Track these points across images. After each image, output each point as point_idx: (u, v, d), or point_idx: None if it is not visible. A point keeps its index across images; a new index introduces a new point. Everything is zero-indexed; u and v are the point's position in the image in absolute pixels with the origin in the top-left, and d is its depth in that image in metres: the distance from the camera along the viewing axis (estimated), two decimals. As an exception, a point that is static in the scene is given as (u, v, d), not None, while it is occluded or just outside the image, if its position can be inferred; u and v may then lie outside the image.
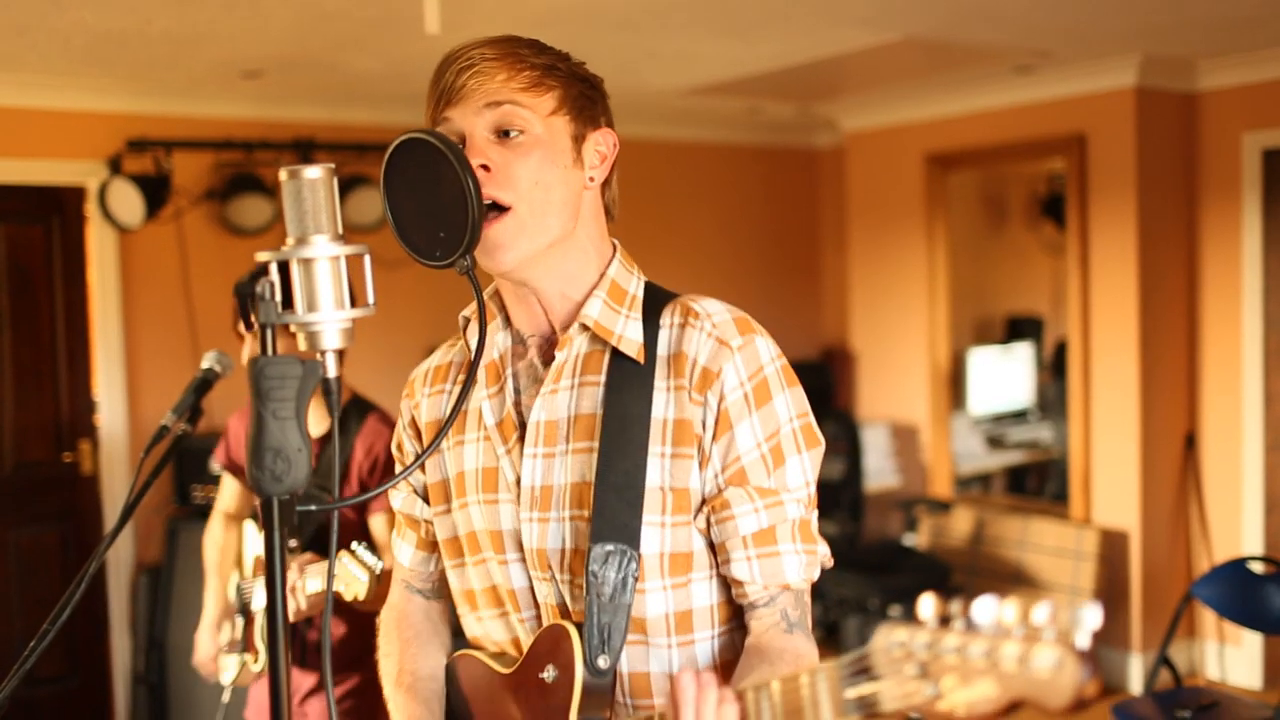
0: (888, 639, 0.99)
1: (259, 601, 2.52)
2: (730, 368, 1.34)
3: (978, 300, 6.74)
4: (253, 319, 1.18)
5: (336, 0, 3.49)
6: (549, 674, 1.38)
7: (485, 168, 1.33)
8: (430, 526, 1.58)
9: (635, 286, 1.45)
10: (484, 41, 1.39)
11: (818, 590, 1.44)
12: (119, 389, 4.82)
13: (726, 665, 1.41)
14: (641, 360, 1.37)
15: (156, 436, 2.15)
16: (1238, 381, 5.05)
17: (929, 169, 5.75)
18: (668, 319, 1.40)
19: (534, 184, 1.34)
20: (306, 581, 2.38)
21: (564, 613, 1.41)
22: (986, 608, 0.93)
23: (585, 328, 1.40)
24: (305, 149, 4.90)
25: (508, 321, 1.48)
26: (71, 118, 4.66)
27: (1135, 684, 5.02)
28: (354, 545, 2.33)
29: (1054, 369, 6.74)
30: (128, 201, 4.54)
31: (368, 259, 1.22)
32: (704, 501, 1.37)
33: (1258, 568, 3.75)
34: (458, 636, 1.61)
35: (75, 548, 4.82)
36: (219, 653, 2.63)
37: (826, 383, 6.31)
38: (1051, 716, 0.89)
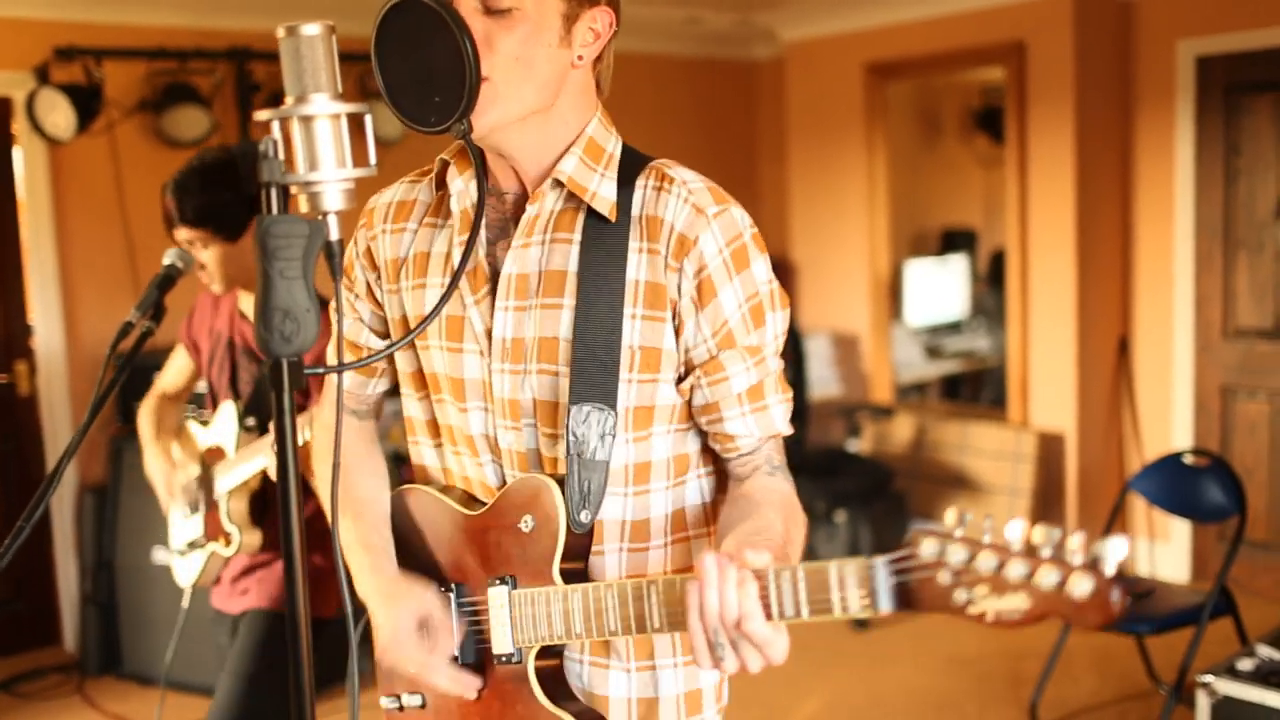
0: (925, 548, 1.11)
1: (224, 485, 2.50)
2: (708, 236, 1.37)
3: (912, 213, 6.82)
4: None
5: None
6: (526, 524, 1.42)
7: None
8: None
9: (613, 146, 1.45)
10: None
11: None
12: (54, 307, 4.71)
13: (676, 515, 1.49)
14: (614, 219, 1.39)
15: (121, 332, 2.13)
16: (1169, 284, 5.18)
17: (869, 78, 5.76)
18: (643, 181, 1.42)
19: (514, 59, 1.33)
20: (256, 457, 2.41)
21: (535, 459, 1.45)
22: (1017, 530, 1.06)
23: (559, 184, 1.40)
24: (241, 58, 4.78)
25: (482, 172, 1.48)
26: (-6, 26, 4.50)
27: (1070, 580, 5.18)
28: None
29: (990, 279, 6.86)
30: (58, 112, 4.41)
31: (369, 119, 1.21)
32: (690, 367, 1.41)
33: (1191, 460, 3.88)
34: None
35: (16, 468, 4.74)
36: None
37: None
38: (1082, 630, 1.02)
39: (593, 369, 1.37)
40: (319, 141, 1.16)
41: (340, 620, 2.50)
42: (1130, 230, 5.29)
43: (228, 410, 2.55)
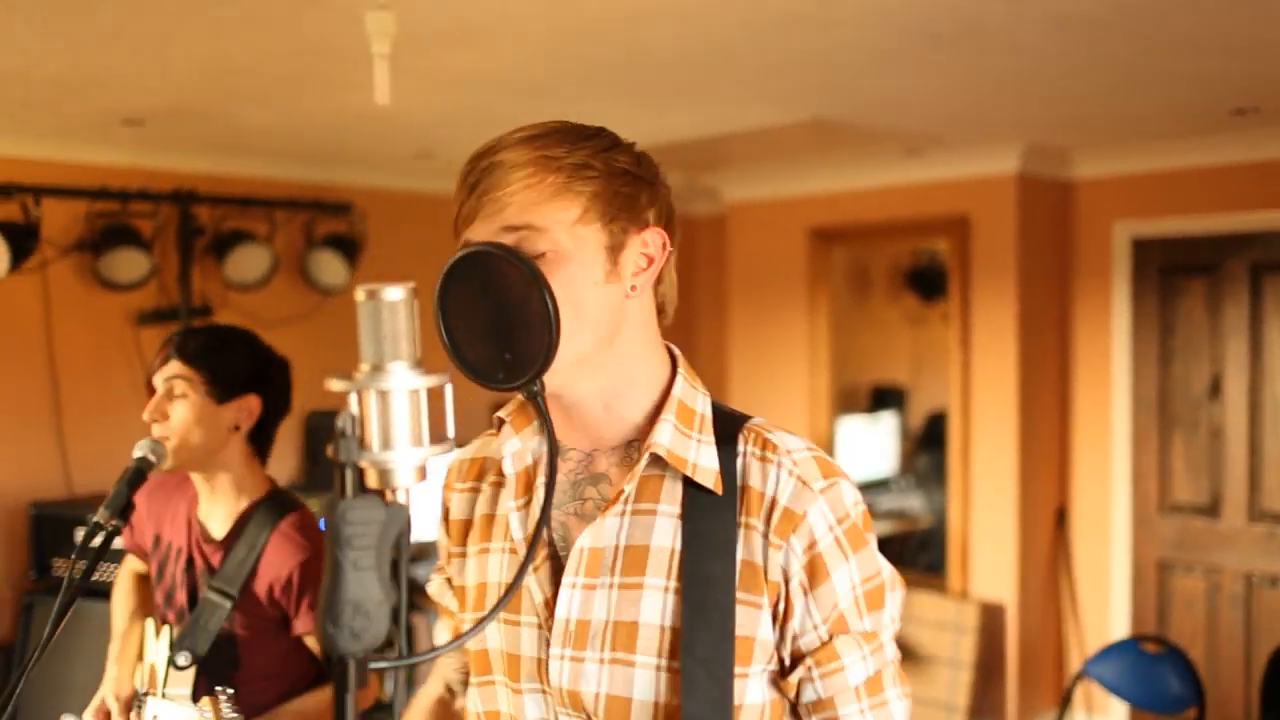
0: None
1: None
2: (816, 511, 1.23)
3: (842, 369, 6.87)
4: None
5: (247, 55, 3.34)
6: None
7: None
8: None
9: (703, 405, 1.33)
10: (509, 142, 1.25)
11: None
12: (-32, 451, 4.47)
13: None
14: (720, 491, 1.25)
15: (89, 534, 1.98)
16: (1107, 457, 5.24)
17: (812, 243, 5.83)
18: (744, 446, 1.28)
19: (559, 303, 1.20)
20: (162, 709, 2.13)
21: None
22: None
23: (658, 459, 1.27)
24: (185, 201, 4.67)
25: (552, 433, 1.32)
26: (-72, 158, 4.34)
27: (1011, 755, 5.12)
28: (220, 692, 2.05)
29: (925, 440, 6.90)
30: (-10, 250, 4.23)
31: (449, 389, 1.12)
32: (798, 657, 1.25)
33: (1145, 646, 3.86)
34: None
35: (-88, 623, 4.43)
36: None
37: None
38: None
39: (707, 688, 1.19)
40: (395, 417, 1.07)
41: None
42: (1069, 402, 5.37)
43: (165, 637, 2.27)
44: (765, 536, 1.23)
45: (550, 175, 1.23)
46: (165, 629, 2.28)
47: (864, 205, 5.64)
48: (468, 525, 1.42)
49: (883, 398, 7.28)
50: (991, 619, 5.15)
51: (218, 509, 2.31)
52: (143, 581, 2.53)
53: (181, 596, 2.30)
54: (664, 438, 1.27)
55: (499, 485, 1.40)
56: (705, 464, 1.27)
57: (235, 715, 2.03)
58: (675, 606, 1.23)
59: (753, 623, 1.22)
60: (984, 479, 5.25)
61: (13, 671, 4.29)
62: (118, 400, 4.65)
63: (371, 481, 1.08)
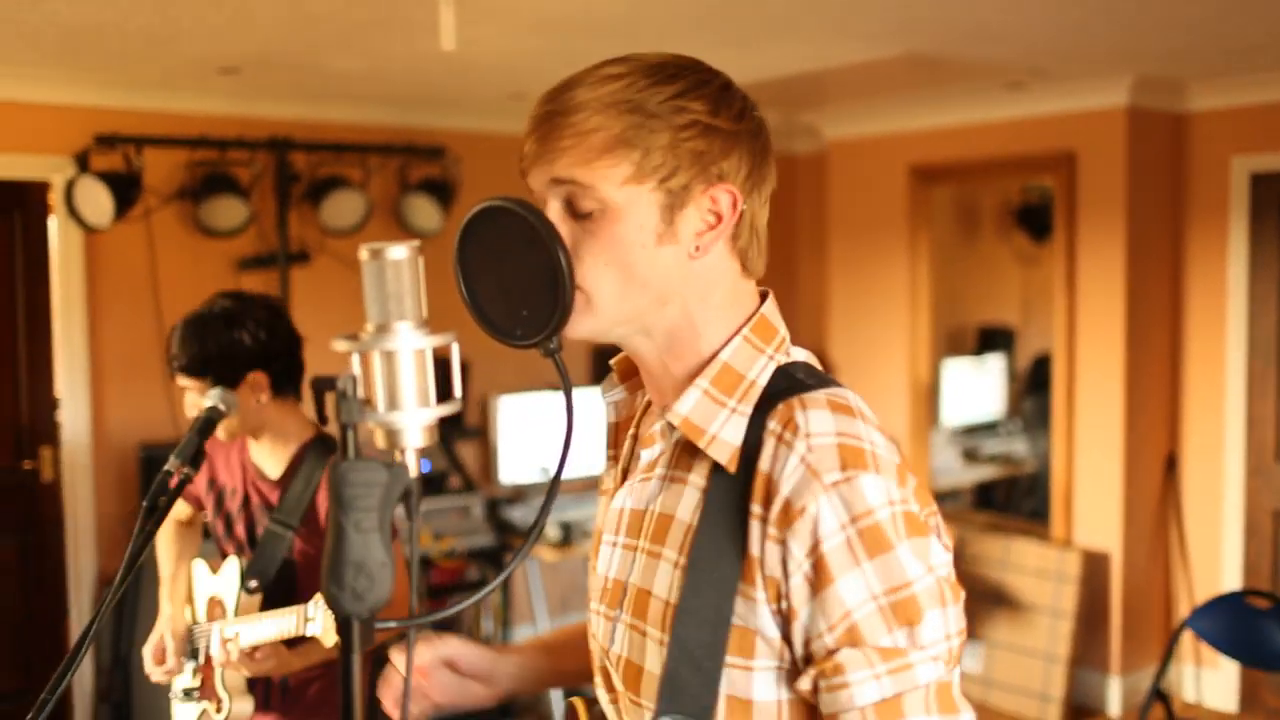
0: None
1: (215, 648, 2.37)
2: (825, 506, 1.07)
3: (949, 310, 6.71)
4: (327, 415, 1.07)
5: (324, 2, 3.35)
6: None
7: None
8: None
9: (760, 370, 1.20)
10: (578, 82, 1.17)
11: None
12: (82, 394, 4.63)
13: None
14: (733, 469, 1.14)
15: (161, 482, 2.03)
16: (1220, 404, 5.04)
17: (913, 181, 5.69)
18: (774, 422, 1.13)
19: (604, 266, 1.16)
20: (243, 628, 2.30)
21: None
22: None
23: (672, 428, 1.20)
24: (281, 148, 4.73)
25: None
26: (36, 111, 4.46)
27: (1114, 706, 5.00)
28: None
29: (1031, 383, 6.73)
30: (95, 200, 4.35)
31: (455, 347, 1.10)
32: (807, 661, 1.10)
33: (1252, 601, 3.72)
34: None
35: (35, 558, 4.64)
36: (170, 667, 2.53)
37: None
38: None
39: (689, 678, 1.12)
40: (401, 378, 1.06)
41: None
42: (1180, 346, 5.16)
43: (232, 566, 2.48)
44: (764, 526, 1.10)
45: (604, 128, 1.14)
46: (231, 560, 2.43)
47: (966, 141, 5.47)
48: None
49: (990, 339, 7.11)
50: (1094, 568, 5.02)
51: (268, 453, 2.49)
52: (184, 528, 2.74)
53: (240, 530, 2.50)
54: (685, 405, 1.19)
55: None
56: (726, 438, 1.16)
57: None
58: (679, 583, 1.15)
59: (751, 615, 1.11)
60: (1088, 424, 5.09)
61: (125, 605, 4.47)
62: (220, 345, 4.77)
63: (380, 443, 1.08)
